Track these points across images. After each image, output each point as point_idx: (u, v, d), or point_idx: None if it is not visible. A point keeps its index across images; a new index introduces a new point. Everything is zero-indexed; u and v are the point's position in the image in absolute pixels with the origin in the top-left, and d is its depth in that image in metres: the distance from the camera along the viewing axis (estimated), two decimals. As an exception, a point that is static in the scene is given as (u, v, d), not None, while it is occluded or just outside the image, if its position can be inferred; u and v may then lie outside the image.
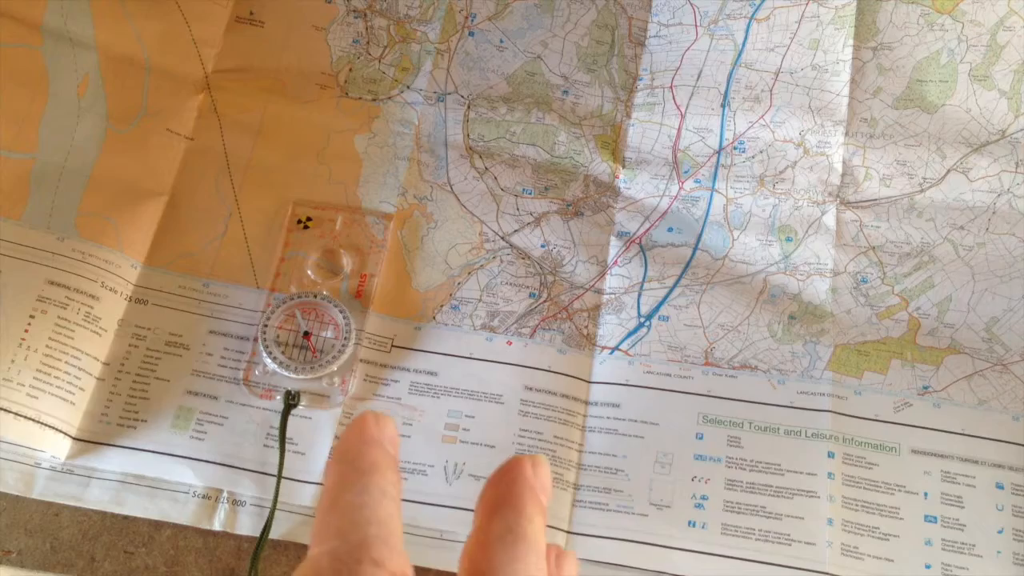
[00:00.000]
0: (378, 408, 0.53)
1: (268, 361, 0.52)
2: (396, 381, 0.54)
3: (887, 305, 0.57)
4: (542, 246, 0.58)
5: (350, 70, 0.61)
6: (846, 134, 0.60)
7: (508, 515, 0.25)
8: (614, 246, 0.58)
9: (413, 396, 0.53)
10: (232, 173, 0.58)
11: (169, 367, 0.53)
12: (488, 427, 0.53)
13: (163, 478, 0.50)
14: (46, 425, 0.49)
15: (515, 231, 0.58)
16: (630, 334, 0.56)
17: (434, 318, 0.56)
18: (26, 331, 0.51)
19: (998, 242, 0.58)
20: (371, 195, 0.58)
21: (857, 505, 0.52)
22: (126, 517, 0.50)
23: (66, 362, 0.51)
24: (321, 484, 0.51)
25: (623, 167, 0.60)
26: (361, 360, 0.54)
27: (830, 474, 0.52)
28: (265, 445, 0.51)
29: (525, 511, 0.25)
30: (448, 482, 0.51)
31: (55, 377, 0.50)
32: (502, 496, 0.26)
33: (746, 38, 0.61)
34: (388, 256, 0.57)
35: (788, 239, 0.58)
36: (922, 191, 0.59)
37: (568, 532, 0.51)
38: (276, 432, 0.51)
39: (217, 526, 0.50)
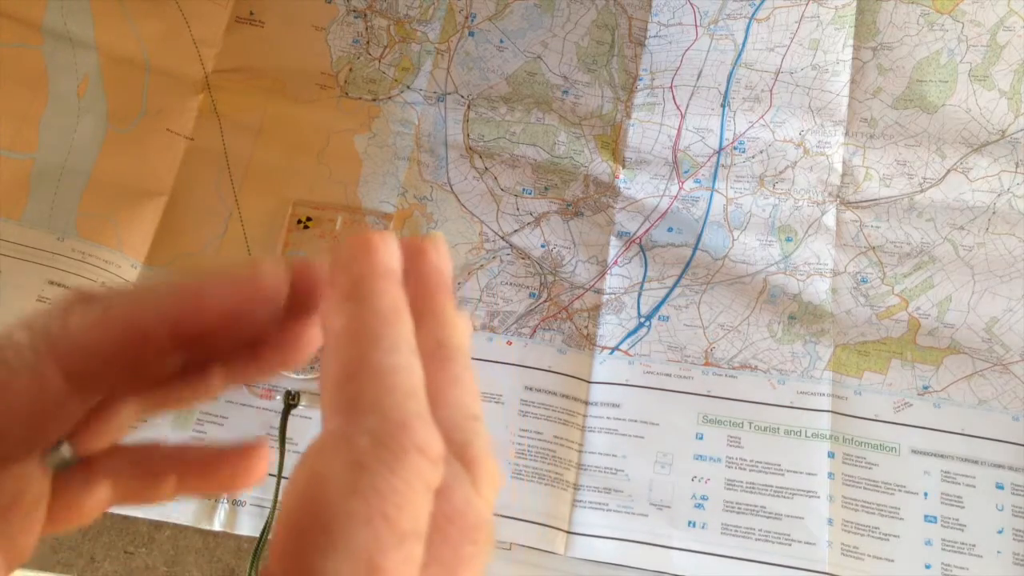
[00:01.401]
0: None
1: (268, 361, 0.52)
2: (396, 381, 0.54)
3: (887, 305, 0.57)
4: (542, 246, 0.58)
5: (350, 70, 0.61)
6: (846, 134, 0.60)
7: (432, 326, 0.21)
8: (614, 246, 0.58)
9: (413, 396, 0.53)
10: (232, 173, 0.58)
11: (169, 367, 0.53)
12: (488, 427, 0.53)
13: (163, 478, 0.50)
14: (46, 425, 0.49)
15: (515, 231, 0.58)
16: (630, 334, 0.56)
17: (434, 318, 0.56)
18: (26, 331, 0.50)
19: (998, 242, 0.58)
20: (371, 195, 0.58)
21: (857, 505, 0.52)
22: (126, 517, 0.50)
23: (66, 362, 0.51)
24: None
25: (623, 167, 0.60)
26: (361, 360, 0.54)
27: (830, 474, 0.52)
28: (265, 445, 0.51)
29: (448, 317, 0.21)
30: (448, 482, 0.51)
31: (55, 377, 0.50)
32: (416, 299, 0.21)
33: (746, 38, 0.61)
34: (388, 256, 0.57)
35: (788, 239, 0.58)
36: (922, 191, 0.59)
37: (568, 532, 0.51)
38: (276, 432, 0.51)
39: (217, 526, 0.50)
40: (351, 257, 0.20)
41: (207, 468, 0.23)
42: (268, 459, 0.24)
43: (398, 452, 0.18)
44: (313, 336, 0.23)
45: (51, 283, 0.52)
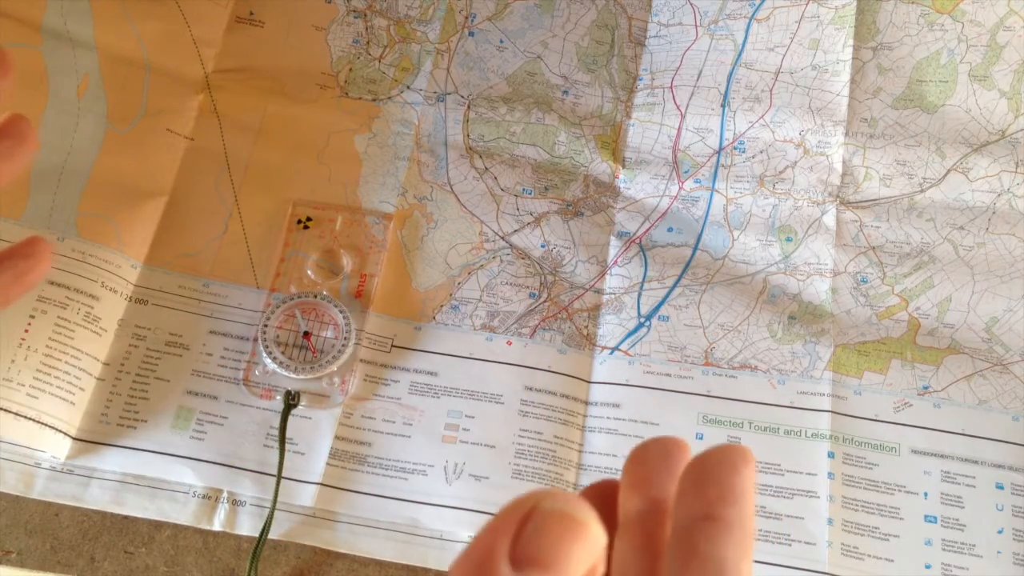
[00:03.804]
0: (377, 408, 0.53)
1: (268, 361, 0.52)
2: (396, 381, 0.54)
3: (887, 305, 0.57)
4: (542, 246, 0.58)
5: (350, 70, 0.61)
6: (846, 134, 0.60)
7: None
8: (614, 246, 0.58)
9: (413, 396, 0.53)
10: (232, 173, 0.58)
11: (169, 367, 0.53)
12: (488, 427, 0.53)
13: (163, 478, 0.50)
14: (46, 425, 0.49)
15: (515, 231, 0.58)
16: (630, 334, 0.56)
17: (434, 318, 0.56)
18: (26, 331, 0.51)
19: (998, 242, 0.58)
20: (371, 195, 0.58)
21: (857, 505, 0.52)
22: (126, 517, 0.50)
23: (66, 362, 0.51)
24: (323, 484, 0.51)
25: (623, 167, 0.60)
26: (361, 360, 0.54)
27: (830, 474, 0.52)
28: (265, 445, 0.51)
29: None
30: (448, 482, 0.51)
31: (55, 377, 0.50)
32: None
33: (746, 38, 0.61)
34: (388, 256, 0.57)
35: (788, 239, 0.58)
36: (922, 191, 0.59)
37: (568, 532, 0.51)
38: (276, 432, 0.51)
39: (217, 526, 0.50)
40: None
41: (6, 267, 0.29)
42: (47, 247, 0.30)
43: None
44: None
45: (51, 283, 0.52)
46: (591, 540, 0.20)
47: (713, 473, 0.23)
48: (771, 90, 0.61)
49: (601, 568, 0.21)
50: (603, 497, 0.24)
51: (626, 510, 0.23)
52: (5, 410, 0.49)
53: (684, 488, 0.22)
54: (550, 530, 0.20)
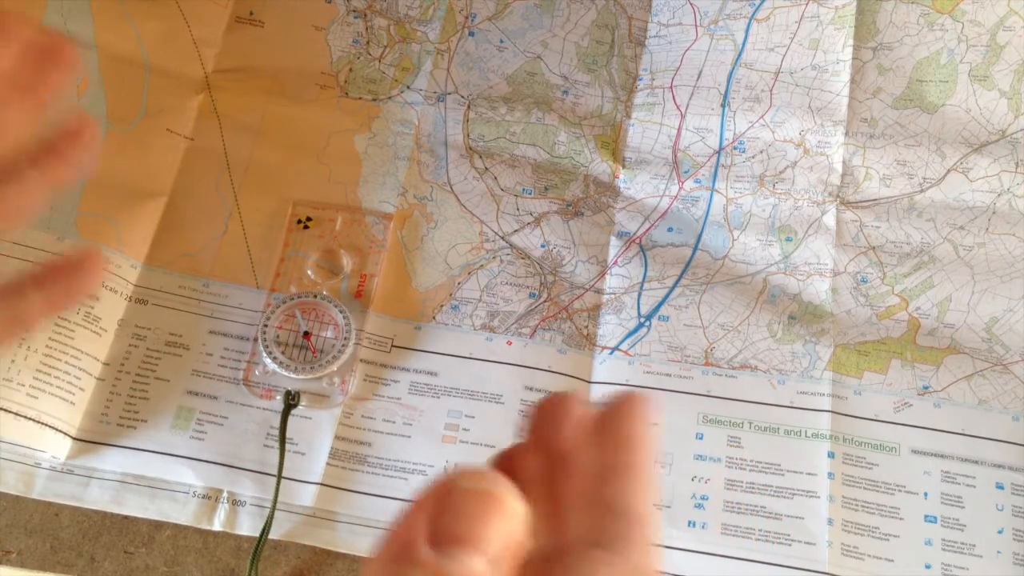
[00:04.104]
0: (377, 408, 0.53)
1: (268, 361, 0.52)
2: (396, 381, 0.54)
3: (887, 305, 0.57)
4: (542, 246, 0.58)
5: (350, 70, 0.61)
6: (846, 134, 0.60)
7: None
8: (614, 246, 0.58)
9: (413, 396, 0.53)
10: (232, 173, 0.58)
11: (169, 367, 0.53)
12: (488, 427, 0.53)
13: (163, 478, 0.50)
14: (46, 425, 0.49)
15: (515, 231, 0.58)
16: (630, 334, 0.56)
17: (434, 318, 0.56)
18: (26, 331, 0.50)
19: (998, 242, 0.58)
20: (371, 195, 0.58)
21: (857, 505, 0.52)
22: (126, 517, 0.50)
23: (66, 362, 0.51)
24: (323, 484, 0.51)
25: (623, 167, 0.60)
26: (361, 360, 0.54)
27: (830, 474, 0.52)
28: (265, 445, 0.51)
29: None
30: (448, 482, 0.51)
31: (55, 377, 0.50)
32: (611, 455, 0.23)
33: (746, 38, 0.61)
34: (388, 256, 0.57)
35: (788, 239, 0.58)
36: (922, 191, 0.59)
37: (568, 532, 0.51)
38: (276, 432, 0.51)
39: (217, 526, 0.50)
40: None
41: (57, 278, 0.28)
42: (100, 260, 0.29)
43: None
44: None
45: (51, 283, 0.52)
46: (509, 514, 0.20)
47: (610, 422, 0.23)
48: (771, 90, 0.61)
49: (524, 540, 0.21)
50: (514, 462, 0.25)
51: (529, 468, 0.24)
52: (5, 410, 0.49)
53: (583, 439, 0.23)
54: (468, 508, 0.20)
